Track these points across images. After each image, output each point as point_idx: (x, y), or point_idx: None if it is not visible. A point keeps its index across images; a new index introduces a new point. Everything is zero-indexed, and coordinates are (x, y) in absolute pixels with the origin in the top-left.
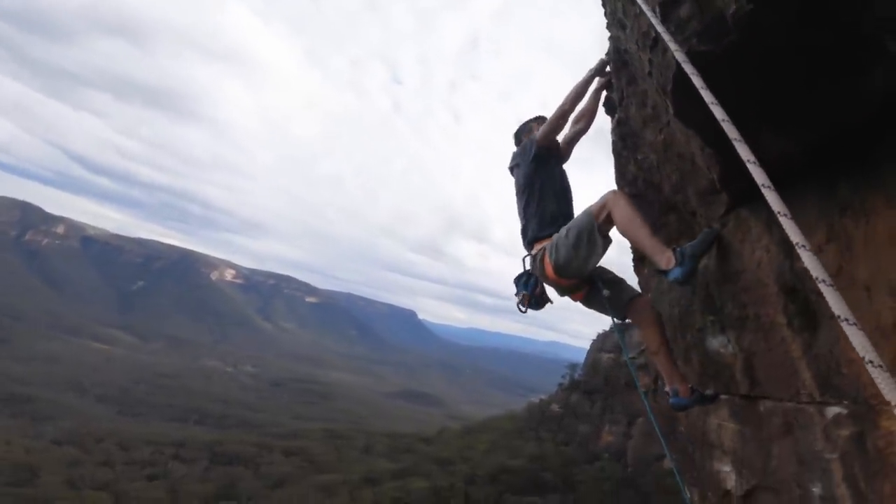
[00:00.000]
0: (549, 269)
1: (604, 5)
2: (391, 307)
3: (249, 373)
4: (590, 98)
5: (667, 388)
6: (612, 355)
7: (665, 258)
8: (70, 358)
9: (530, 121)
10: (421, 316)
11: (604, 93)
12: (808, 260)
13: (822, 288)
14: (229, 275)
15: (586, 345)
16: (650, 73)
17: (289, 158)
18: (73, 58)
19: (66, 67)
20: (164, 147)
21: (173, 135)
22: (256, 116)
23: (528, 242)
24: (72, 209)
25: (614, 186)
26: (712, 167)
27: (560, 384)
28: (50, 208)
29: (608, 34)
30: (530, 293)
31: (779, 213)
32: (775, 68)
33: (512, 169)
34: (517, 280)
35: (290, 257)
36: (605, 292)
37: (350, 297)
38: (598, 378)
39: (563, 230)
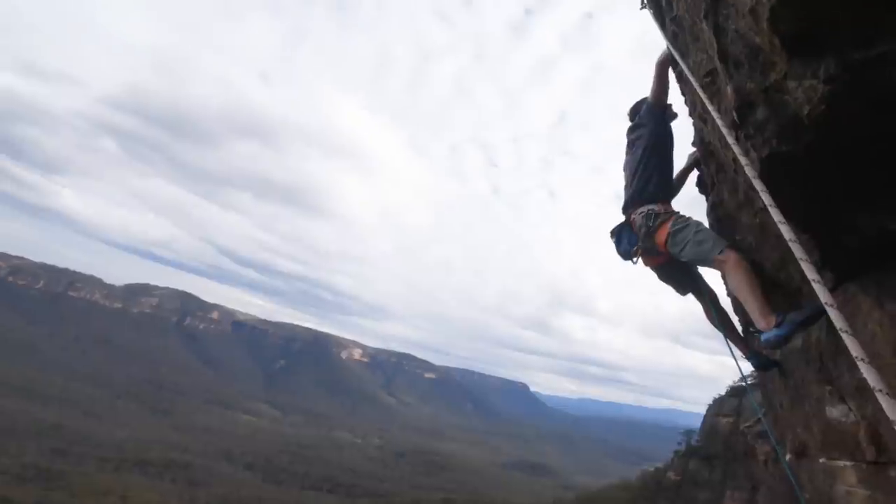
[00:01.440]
0: (663, 234)
1: (683, 94)
2: (504, 381)
3: (376, 444)
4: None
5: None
6: (730, 419)
7: (766, 321)
8: (223, 429)
9: (645, 98)
10: (533, 388)
11: (695, 171)
12: (866, 372)
13: (879, 397)
14: (357, 354)
15: (702, 410)
16: (736, 171)
17: (404, 246)
18: (217, 160)
19: (211, 170)
20: (298, 240)
21: (305, 228)
22: (373, 208)
23: (648, 200)
24: (224, 297)
25: None
26: (811, 250)
27: (676, 451)
28: (206, 297)
29: (691, 120)
30: (632, 247)
31: (841, 329)
32: (864, 155)
33: (634, 128)
34: (617, 231)
35: (409, 337)
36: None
37: (465, 373)
38: (717, 443)
39: (699, 224)
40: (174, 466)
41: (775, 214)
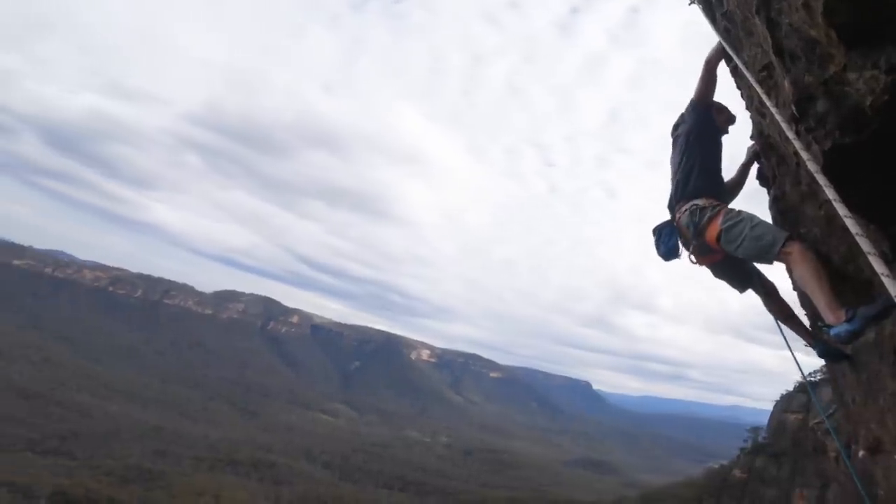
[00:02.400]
0: (714, 231)
1: (739, 88)
2: (567, 379)
3: (444, 443)
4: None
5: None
6: (798, 416)
7: (835, 315)
8: (304, 428)
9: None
10: (596, 386)
11: (755, 166)
12: None
13: None
14: (425, 354)
15: (768, 407)
16: (798, 164)
17: (468, 248)
18: (291, 170)
19: (286, 180)
20: (369, 245)
21: (374, 234)
22: (437, 212)
23: (691, 194)
24: (302, 302)
25: None
26: (880, 241)
27: (742, 448)
28: (286, 302)
29: (749, 114)
30: (673, 247)
31: None
32: None
33: (677, 125)
34: (659, 230)
35: (475, 337)
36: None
37: (529, 372)
38: (785, 440)
39: (754, 218)
40: (261, 466)
41: (840, 209)
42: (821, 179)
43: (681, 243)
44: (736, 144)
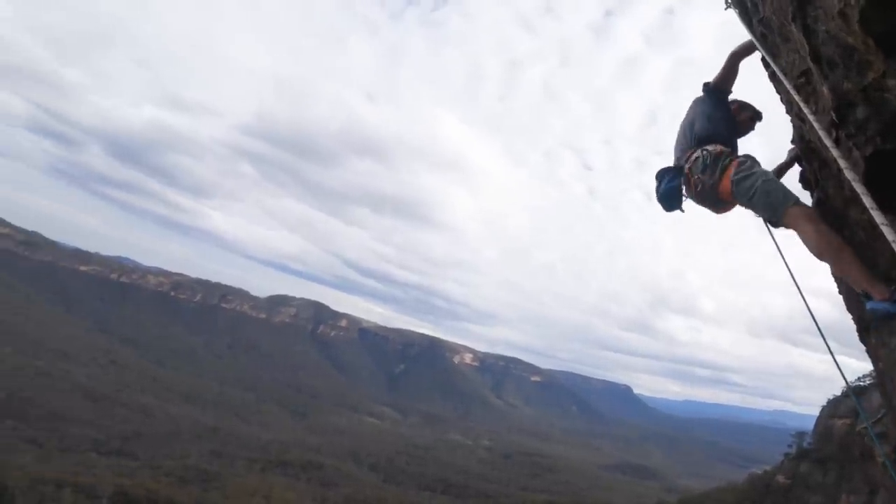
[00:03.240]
0: (727, 182)
1: (779, 92)
2: (607, 383)
3: (485, 446)
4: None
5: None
6: (846, 421)
7: (878, 288)
8: (351, 430)
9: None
10: (636, 390)
11: (797, 168)
12: None
13: None
14: (468, 358)
15: (814, 411)
16: (839, 168)
17: (508, 252)
18: (338, 178)
19: (334, 187)
20: (413, 251)
21: (418, 240)
22: (478, 217)
23: (699, 138)
24: (350, 306)
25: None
26: None
27: (786, 454)
28: (335, 306)
29: (789, 117)
30: (675, 187)
31: None
32: None
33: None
34: (661, 174)
35: (515, 341)
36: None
37: (569, 375)
38: (832, 446)
39: (767, 173)
40: (310, 467)
41: (877, 216)
42: (858, 188)
43: (686, 192)
44: (776, 148)
